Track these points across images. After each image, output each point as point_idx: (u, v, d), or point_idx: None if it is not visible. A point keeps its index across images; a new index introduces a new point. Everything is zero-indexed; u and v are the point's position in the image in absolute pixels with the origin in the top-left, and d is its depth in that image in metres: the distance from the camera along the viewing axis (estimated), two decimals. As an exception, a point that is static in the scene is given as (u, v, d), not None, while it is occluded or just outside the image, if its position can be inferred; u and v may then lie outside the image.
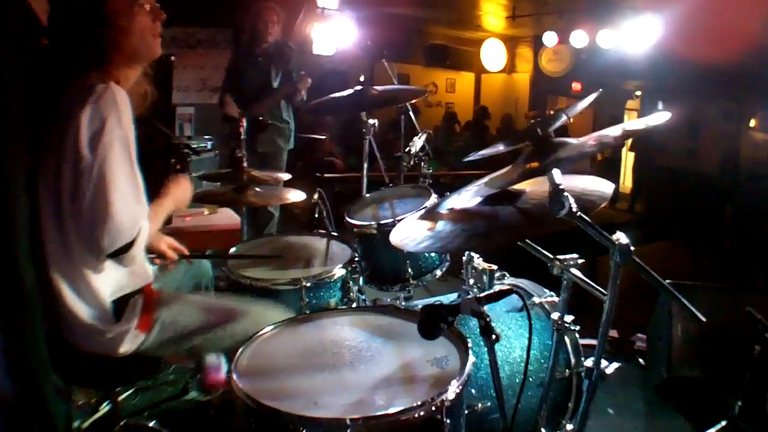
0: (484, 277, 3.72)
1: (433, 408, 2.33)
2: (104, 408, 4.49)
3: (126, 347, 3.22)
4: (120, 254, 2.98)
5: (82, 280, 3.12)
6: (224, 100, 7.59)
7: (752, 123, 16.08)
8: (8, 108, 2.88)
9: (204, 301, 3.64)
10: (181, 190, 3.63)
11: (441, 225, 2.83)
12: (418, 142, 5.44)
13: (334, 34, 12.02)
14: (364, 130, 5.51)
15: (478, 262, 3.82)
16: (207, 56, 10.98)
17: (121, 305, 3.24)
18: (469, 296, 2.55)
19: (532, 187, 2.83)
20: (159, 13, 3.28)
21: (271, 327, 3.06)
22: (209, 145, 9.39)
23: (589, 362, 2.75)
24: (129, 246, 2.97)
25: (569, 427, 3.60)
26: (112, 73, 3.10)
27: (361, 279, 4.42)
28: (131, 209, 2.97)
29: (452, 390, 2.40)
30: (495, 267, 3.75)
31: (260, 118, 7.53)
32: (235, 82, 7.76)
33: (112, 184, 2.89)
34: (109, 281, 3.20)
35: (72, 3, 3.16)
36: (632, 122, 3.14)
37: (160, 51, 3.34)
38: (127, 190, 2.95)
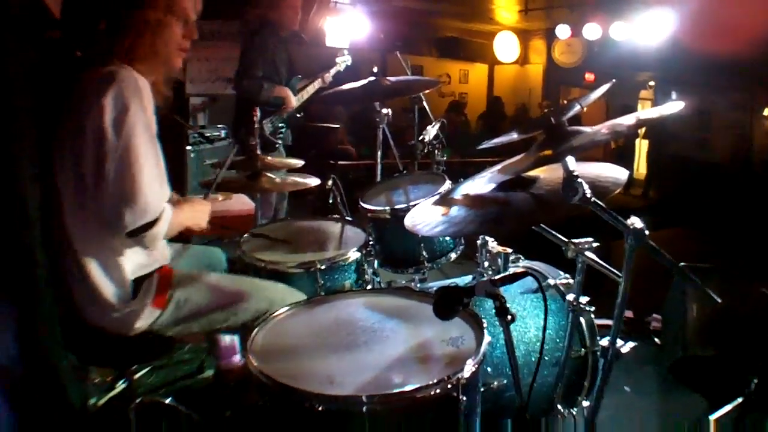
0: (499, 260, 3.72)
1: (449, 386, 2.35)
2: (120, 386, 4.51)
3: (141, 324, 3.25)
4: (141, 233, 2.99)
5: (106, 259, 3.16)
6: (282, 90, 7.43)
7: (766, 112, 16.10)
8: (16, 101, 2.90)
9: (218, 280, 3.64)
10: (200, 209, 3.64)
11: (455, 210, 2.83)
12: (431, 131, 5.46)
13: (346, 27, 12.02)
14: (377, 119, 5.54)
15: (493, 245, 3.84)
16: (216, 48, 10.96)
17: (138, 283, 3.26)
18: (485, 278, 2.58)
19: (546, 174, 2.84)
20: (192, 31, 3.33)
21: (287, 307, 3.09)
22: (223, 133, 9.42)
23: (604, 341, 2.76)
24: (151, 225, 3.00)
25: (585, 404, 3.62)
26: (136, 65, 3.13)
27: (375, 262, 4.44)
28: (157, 188, 3.00)
29: (468, 368, 2.41)
30: (510, 250, 3.76)
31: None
32: (268, 69, 7.36)
33: (137, 164, 2.91)
34: (131, 260, 3.23)
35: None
36: (646, 111, 3.15)
37: (179, 67, 3.39)
38: (152, 171, 2.98)
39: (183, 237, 3.67)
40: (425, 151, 5.45)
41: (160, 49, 3.22)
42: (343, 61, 7.84)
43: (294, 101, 7.43)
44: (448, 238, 4.52)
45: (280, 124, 7.48)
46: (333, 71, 7.80)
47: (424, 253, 4.42)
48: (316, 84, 7.70)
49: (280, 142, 7.51)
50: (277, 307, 3.16)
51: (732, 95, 16.47)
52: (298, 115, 7.71)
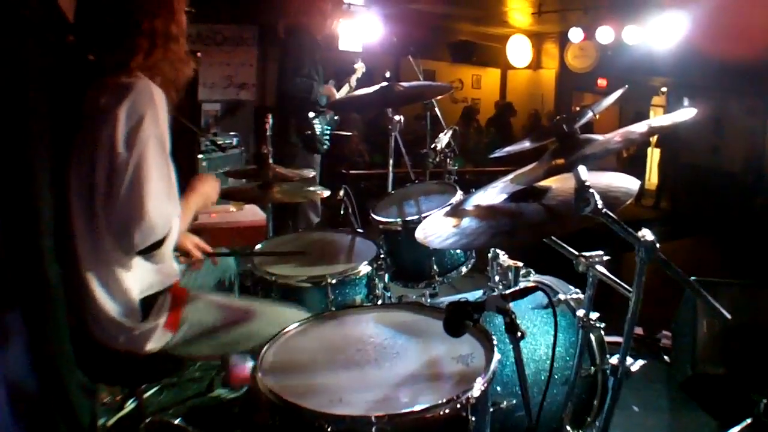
0: (510, 274, 3.70)
1: (458, 405, 2.33)
2: (129, 405, 4.51)
3: (152, 345, 3.22)
4: (151, 251, 2.97)
5: (112, 277, 3.12)
6: (328, 89, 7.56)
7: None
8: (33, 106, 2.90)
9: (230, 302, 3.64)
10: (208, 187, 3.63)
11: (466, 222, 2.83)
12: (444, 139, 5.45)
13: (360, 30, 12.00)
14: (389, 127, 5.52)
15: (504, 259, 3.81)
16: (233, 53, 10.97)
17: (149, 303, 3.23)
18: (495, 293, 2.56)
19: (558, 184, 2.83)
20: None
21: (297, 324, 3.07)
22: (235, 141, 9.41)
23: (614, 360, 2.74)
24: (160, 243, 2.97)
25: (594, 424, 3.60)
26: (153, 74, 3.12)
27: (386, 276, 4.40)
28: (165, 207, 2.97)
29: (477, 387, 2.40)
30: (520, 264, 3.74)
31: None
32: (311, 68, 7.48)
33: (147, 182, 2.89)
34: (138, 279, 3.20)
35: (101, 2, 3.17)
36: (658, 118, 3.14)
37: (191, 74, 3.40)
38: (161, 188, 2.95)
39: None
40: (437, 159, 5.44)
41: (173, 59, 3.23)
42: (360, 68, 7.91)
43: (332, 93, 7.54)
44: (458, 251, 4.51)
45: (326, 126, 7.54)
46: (354, 78, 7.88)
47: (435, 266, 4.42)
48: (345, 89, 7.77)
49: (327, 144, 7.58)
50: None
51: (746, 101, 16.44)
52: (335, 117, 7.79)
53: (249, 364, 4.24)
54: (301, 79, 7.22)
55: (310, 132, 7.36)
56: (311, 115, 7.43)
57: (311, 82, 7.26)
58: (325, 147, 7.66)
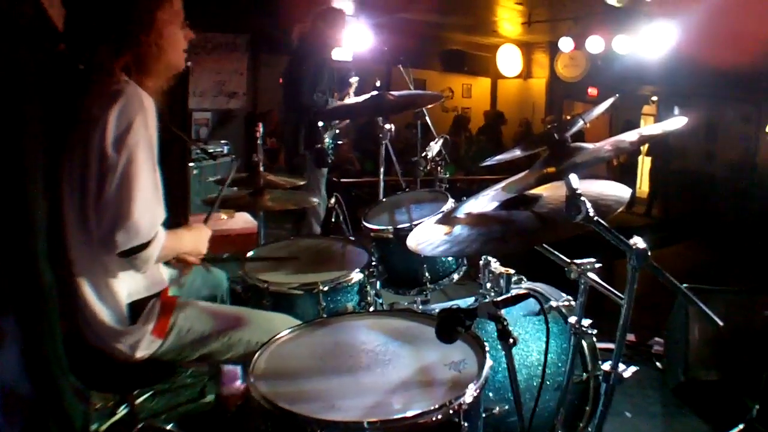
0: (501, 281, 3.70)
1: (451, 411, 2.33)
2: (122, 411, 4.49)
3: (143, 352, 3.23)
4: (133, 254, 2.97)
5: (103, 281, 3.13)
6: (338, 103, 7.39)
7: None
8: (26, 111, 2.91)
9: (221, 309, 3.65)
10: (200, 235, 3.63)
11: (458, 229, 2.83)
12: (434, 147, 5.45)
13: (350, 39, 11.97)
14: (380, 135, 5.53)
15: (495, 266, 3.81)
16: (224, 61, 10.97)
17: (137, 309, 3.23)
18: (487, 300, 2.56)
19: (549, 192, 2.83)
20: (188, 32, 3.39)
21: (289, 330, 3.06)
22: (226, 149, 9.40)
23: (606, 366, 2.75)
24: (143, 247, 2.98)
25: (587, 430, 3.60)
26: (142, 80, 3.13)
27: (378, 283, 4.40)
28: (151, 211, 2.97)
29: (470, 393, 2.40)
30: (512, 271, 3.74)
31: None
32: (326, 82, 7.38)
33: (134, 183, 2.90)
34: (127, 283, 3.20)
35: (89, 9, 3.17)
36: (648, 127, 3.15)
37: (182, 66, 3.42)
38: (148, 192, 2.96)
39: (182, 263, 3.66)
40: (428, 168, 5.45)
41: (171, 60, 3.29)
42: (355, 82, 7.83)
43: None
44: (450, 259, 4.52)
45: (331, 141, 7.47)
46: (352, 91, 7.79)
47: (427, 273, 4.44)
48: (347, 101, 7.68)
49: (332, 158, 7.51)
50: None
51: (737, 108, 16.47)
52: (337, 131, 7.72)
53: (240, 380, 4.25)
54: (318, 94, 7.10)
55: (320, 146, 7.27)
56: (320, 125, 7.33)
57: (325, 98, 7.15)
58: (330, 161, 7.58)
